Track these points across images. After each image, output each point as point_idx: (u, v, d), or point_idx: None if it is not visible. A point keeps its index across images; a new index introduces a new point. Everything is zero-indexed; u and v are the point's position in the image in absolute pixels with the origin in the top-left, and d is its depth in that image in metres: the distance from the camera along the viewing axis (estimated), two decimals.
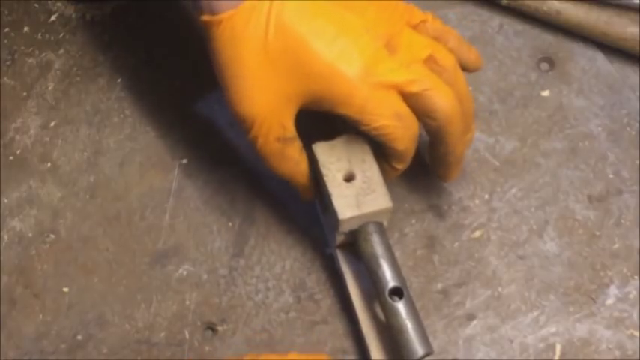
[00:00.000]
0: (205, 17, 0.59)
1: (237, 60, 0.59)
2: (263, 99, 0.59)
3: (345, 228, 0.61)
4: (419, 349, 0.59)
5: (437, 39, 0.63)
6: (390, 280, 0.60)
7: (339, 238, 0.63)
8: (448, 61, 0.61)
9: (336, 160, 0.62)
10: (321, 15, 0.59)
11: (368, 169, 0.62)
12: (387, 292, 0.60)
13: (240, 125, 0.61)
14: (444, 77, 0.61)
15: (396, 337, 0.60)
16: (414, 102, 0.60)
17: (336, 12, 0.59)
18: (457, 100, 0.61)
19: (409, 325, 0.59)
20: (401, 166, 0.63)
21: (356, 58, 0.58)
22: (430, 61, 0.61)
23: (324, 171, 0.62)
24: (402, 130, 0.60)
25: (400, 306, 0.60)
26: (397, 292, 0.60)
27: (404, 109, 0.60)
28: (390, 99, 0.59)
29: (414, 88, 0.59)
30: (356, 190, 0.61)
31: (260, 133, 0.60)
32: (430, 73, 0.60)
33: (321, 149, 0.62)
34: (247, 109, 0.60)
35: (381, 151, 0.62)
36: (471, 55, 0.64)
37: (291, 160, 0.62)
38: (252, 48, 0.58)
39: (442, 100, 0.60)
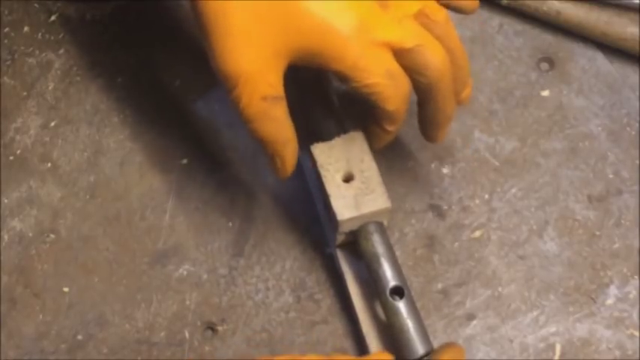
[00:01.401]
0: None
1: (222, 14, 0.57)
2: (250, 55, 0.57)
3: (344, 228, 0.61)
4: (419, 349, 0.59)
5: None
6: (390, 279, 0.60)
7: (340, 238, 0.63)
8: (439, 14, 0.60)
9: (334, 161, 0.62)
10: None
11: (367, 169, 0.62)
12: (387, 292, 0.60)
13: (224, 83, 0.58)
14: (434, 32, 0.59)
15: (396, 336, 0.60)
16: (405, 59, 0.59)
17: None
18: (448, 55, 0.60)
19: (410, 324, 0.60)
20: (392, 128, 0.61)
21: (349, 14, 0.57)
22: (420, 16, 0.59)
23: (323, 171, 0.62)
24: (393, 89, 0.59)
25: (401, 305, 0.60)
26: (398, 292, 0.60)
27: (395, 66, 0.59)
28: (383, 56, 0.58)
29: (406, 44, 0.58)
30: (355, 190, 0.61)
31: (245, 91, 0.57)
32: (421, 28, 0.59)
33: (319, 150, 0.62)
34: (232, 66, 0.57)
35: (372, 112, 0.61)
36: None
37: (277, 121, 0.59)
38: (237, 3, 0.57)
39: (434, 56, 0.59)
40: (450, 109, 0.62)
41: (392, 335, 0.60)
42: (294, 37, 0.57)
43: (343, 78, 0.58)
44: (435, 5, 0.60)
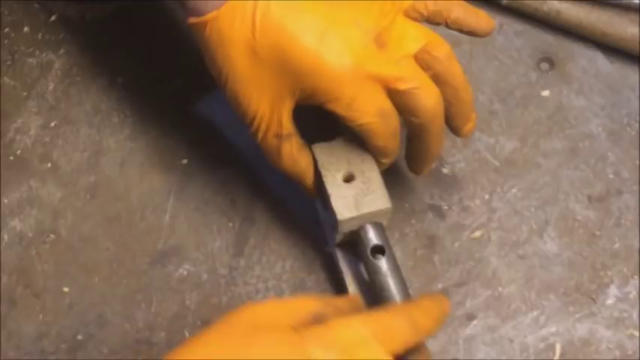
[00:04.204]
0: (191, 20, 0.60)
1: (227, 61, 0.59)
2: (258, 97, 0.59)
3: (344, 228, 0.61)
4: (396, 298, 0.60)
5: (438, 12, 0.62)
6: (372, 239, 0.61)
7: (339, 237, 0.64)
8: (441, 51, 0.60)
9: (335, 161, 0.62)
10: (308, 10, 0.58)
11: (367, 170, 0.62)
12: (369, 250, 0.61)
13: (241, 121, 0.61)
14: (436, 69, 0.60)
15: (378, 294, 0.61)
16: (398, 99, 0.59)
17: (325, 5, 0.59)
18: (451, 92, 0.60)
19: (391, 282, 0.60)
20: (385, 160, 0.63)
21: (345, 54, 0.58)
22: (422, 53, 0.60)
23: (324, 171, 0.62)
24: (383, 127, 0.60)
25: (382, 264, 0.61)
26: (379, 251, 0.61)
27: (388, 105, 0.60)
28: (376, 95, 0.59)
29: (400, 86, 0.59)
30: (355, 190, 0.61)
31: (259, 129, 0.61)
32: (418, 70, 0.60)
33: (320, 150, 0.63)
34: (244, 108, 0.60)
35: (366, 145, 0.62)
36: (480, 21, 0.63)
37: (289, 157, 0.61)
38: (240, 48, 0.59)
39: (427, 99, 0.59)
40: (438, 148, 0.63)
41: (374, 294, 0.61)
42: (293, 78, 0.59)
43: (340, 117, 0.60)
44: (439, 40, 0.61)
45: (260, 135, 0.61)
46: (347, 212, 0.61)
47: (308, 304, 0.52)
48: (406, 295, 0.61)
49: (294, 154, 0.62)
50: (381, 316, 0.52)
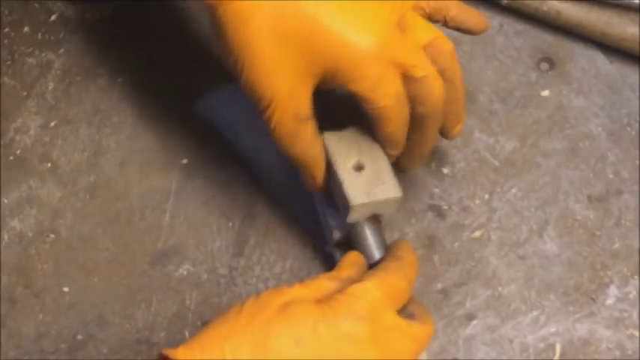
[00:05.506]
0: (208, 0, 0.58)
1: (248, 41, 0.58)
2: (280, 77, 0.58)
3: (355, 216, 0.61)
4: (376, 254, 0.62)
5: (439, 9, 0.63)
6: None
7: (336, 235, 0.64)
8: (447, 46, 0.61)
9: (346, 149, 0.62)
10: None
11: (377, 160, 0.62)
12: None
13: (255, 106, 0.60)
14: (440, 64, 0.60)
15: (355, 245, 0.62)
16: (411, 86, 0.59)
17: None
18: (449, 87, 0.61)
19: (368, 232, 0.62)
20: (393, 152, 0.62)
21: (371, 34, 0.58)
22: (430, 46, 0.60)
23: (335, 158, 0.62)
24: (397, 112, 0.60)
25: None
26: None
27: (402, 91, 0.60)
28: (396, 79, 0.59)
29: (417, 73, 0.59)
30: (366, 179, 0.61)
31: (276, 111, 0.59)
32: (429, 60, 0.60)
33: (330, 137, 0.62)
34: (264, 88, 0.58)
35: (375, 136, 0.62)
36: (475, 19, 0.64)
37: (305, 141, 0.60)
38: (262, 28, 0.57)
39: (436, 89, 0.60)
40: (432, 143, 0.64)
41: (352, 245, 0.62)
42: (318, 59, 0.58)
43: (360, 99, 0.59)
44: (444, 37, 0.61)
45: (276, 117, 0.59)
46: (360, 198, 0.60)
47: (326, 282, 0.57)
48: (382, 244, 0.62)
49: (310, 139, 0.60)
50: (387, 278, 0.57)
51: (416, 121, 0.62)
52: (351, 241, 0.63)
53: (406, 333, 0.56)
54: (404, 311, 0.58)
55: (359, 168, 0.62)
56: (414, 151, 0.64)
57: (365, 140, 0.62)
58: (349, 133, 0.63)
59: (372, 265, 0.61)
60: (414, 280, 0.59)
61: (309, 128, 0.60)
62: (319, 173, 0.62)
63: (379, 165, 0.62)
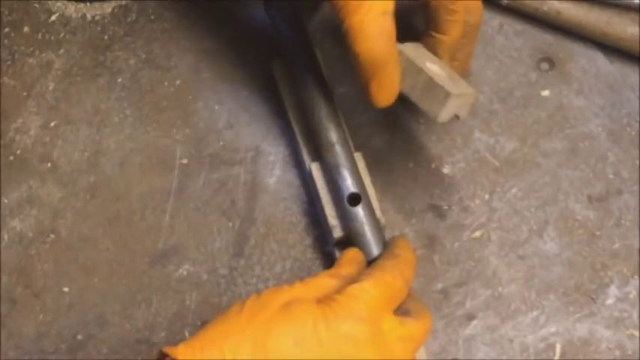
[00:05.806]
0: None
1: None
2: None
3: (447, 112, 0.61)
4: (374, 250, 0.62)
5: None
6: (349, 187, 0.63)
7: (336, 235, 0.64)
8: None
9: (420, 56, 0.63)
10: None
11: (443, 67, 0.64)
12: (345, 199, 0.63)
13: (342, 10, 0.60)
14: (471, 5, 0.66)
15: (354, 240, 0.63)
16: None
17: None
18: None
19: (366, 228, 0.63)
20: (448, 59, 0.66)
21: None
22: None
23: (418, 61, 0.62)
24: (463, 19, 0.65)
25: (358, 211, 0.63)
26: (356, 199, 0.63)
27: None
28: None
29: None
30: (444, 79, 0.62)
31: (364, 9, 0.59)
32: None
33: (403, 46, 0.63)
34: None
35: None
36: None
37: (389, 35, 0.60)
38: None
39: (480, 5, 0.67)
40: (472, 51, 0.70)
41: (351, 241, 0.63)
42: None
43: (440, 7, 0.64)
44: None
45: (363, 10, 0.59)
46: (455, 90, 0.61)
47: (326, 280, 0.58)
48: (380, 241, 0.63)
49: (393, 33, 0.60)
50: (383, 277, 0.58)
51: (466, 32, 0.66)
52: (350, 238, 0.63)
53: (401, 333, 0.57)
54: (400, 308, 0.58)
55: (435, 72, 0.63)
56: (467, 54, 0.69)
57: (425, 52, 0.65)
58: (412, 46, 0.64)
59: (371, 262, 0.61)
60: (410, 277, 0.60)
61: (393, 23, 0.60)
62: (397, 73, 0.62)
63: (446, 70, 0.64)
